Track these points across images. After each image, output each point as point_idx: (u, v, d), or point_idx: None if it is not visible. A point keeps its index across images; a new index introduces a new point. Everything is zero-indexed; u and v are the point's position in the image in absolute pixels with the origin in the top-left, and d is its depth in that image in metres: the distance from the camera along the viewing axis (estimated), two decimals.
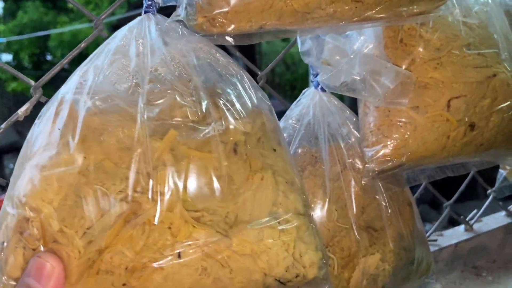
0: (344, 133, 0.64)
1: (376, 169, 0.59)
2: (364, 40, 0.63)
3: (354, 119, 0.65)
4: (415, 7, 0.53)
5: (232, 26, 0.47)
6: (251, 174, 0.48)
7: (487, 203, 1.04)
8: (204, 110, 0.46)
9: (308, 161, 0.62)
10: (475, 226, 1.02)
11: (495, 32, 0.62)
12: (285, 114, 0.66)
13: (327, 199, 0.58)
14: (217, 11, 0.47)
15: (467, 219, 1.02)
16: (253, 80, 0.52)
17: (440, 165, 0.66)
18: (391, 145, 0.59)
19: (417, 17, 0.56)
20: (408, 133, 0.59)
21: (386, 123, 0.60)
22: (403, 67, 0.60)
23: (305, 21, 0.50)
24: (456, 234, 0.99)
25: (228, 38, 0.51)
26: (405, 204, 0.67)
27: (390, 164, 0.59)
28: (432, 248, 0.92)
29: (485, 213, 1.10)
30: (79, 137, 0.42)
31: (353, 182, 0.62)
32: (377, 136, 0.60)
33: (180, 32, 0.49)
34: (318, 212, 0.58)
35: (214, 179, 0.45)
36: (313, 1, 0.47)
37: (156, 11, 0.51)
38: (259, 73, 0.64)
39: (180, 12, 0.48)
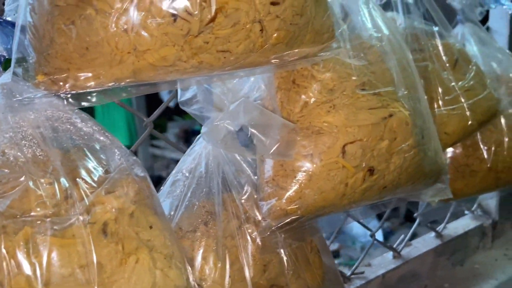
0: (241, 183, 0.59)
1: (273, 224, 0.54)
2: (255, 82, 0.59)
3: (254, 165, 0.61)
4: (296, 51, 0.49)
5: (74, 83, 0.41)
6: (124, 258, 0.42)
7: (413, 228, 1.02)
8: (64, 194, 0.40)
9: (202, 219, 0.56)
10: (404, 252, 1.00)
11: (391, 67, 0.59)
12: (176, 165, 0.60)
13: (219, 265, 0.53)
14: (57, 68, 0.41)
15: (394, 245, 0.99)
16: (123, 148, 0.46)
17: (346, 211, 0.62)
18: (286, 197, 0.54)
19: (301, 60, 0.52)
20: (303, 183, 0.54)
21: (280, 173, 0.55)
22: (296, 110, 0.56)
23: (169, 74, 0.44)
24: (385, 263, 0.97)
25: (90, 98, 0.45)
26: (313, 253, 0.63)
27: (286, 218, 0.55)
28: (358, 282, 0.89)
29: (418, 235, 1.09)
30: None
31: (250, 239, 0.57)
32: (273, 187, 0.55)
33: (32, 95, 0.43)
34: (209, 281, 0.52)
35: (78, 270, 0.39)
36: (170, 54, 0.42)
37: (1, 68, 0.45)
38: (145, 119, 0.58)
39: (16, 69, 0.41)
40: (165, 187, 0.58)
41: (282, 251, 0.57)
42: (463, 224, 1.15)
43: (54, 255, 0.37)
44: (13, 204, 0.39)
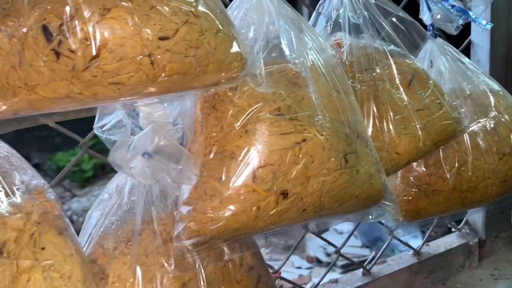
0: (166, 203, 0.61)
1: (187, 245, 0.56)
2: (185, 106, 0.62)
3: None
4: (199, 80, 0.51)
5: None
6: (17, 276, 0.46)
7: (386, 244, 1.01)
8: None
9: (124, 237, 0.59)
10: (375, 269, 0.99)
11: (311, 92, 0.60)
12: (106, 185, 0.63)
13: (131, 280, 0.56)
14: None
15: (364, 264, 0.99)
16: (32, 172, 0.50)
17: (266, 233, 0.63)
18: (199, 219, 0.56)
19: (212, 87, 0.55)
20: (215, 206, 0.56)
21: (194, 195, 0.57)
22: (214, 134, 0.58)
23: (69, 104, 0.48)
24: (352, 280, 0.96)
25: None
26: (243, 270, 0.65)
27: (198, 239, 0.57)
28: None
29: None
30: None
31: (172, 259, 0.59)
32: (187, 209, 0.57)
33: None
34: None
35: None
36: (60, 88, 0.45)
37: None
38: (80, 141, 0.62)
39: None
40: (92, 207, 0.61)
41: (201, 270, 0.59)
42: (447, 242, 1.13)
43: None
44: None
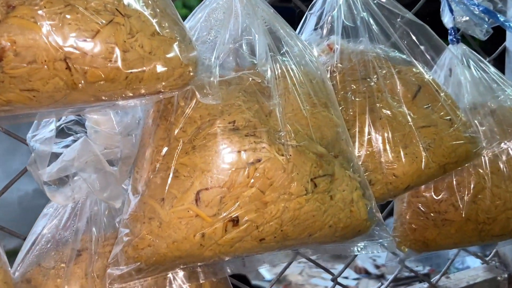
0: (112, 222, 0.56)
1: (115, 274, 0.50)
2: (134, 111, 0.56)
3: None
4: (141, 85, 0.45)
5: None
6: None
7: (394, 274, 0.90)
8: None
9: (65, 257, 0.54)
10: None
11: (274, 105, 0.52)
12: None
13: None
14: None
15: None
16: None
17: (220, 262, 0.55)
18: (135, 244, 0.50)
19: (154, 95, 0.48)
20: (153, 230, 0.50)
21: (133, 217, 0.51)
22: (159, 149, 0.52)
23: None
24: None
25: None
26: None
27: (134, 266, 0.50)
28: None
29: None
30: None
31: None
32: (126, 231, 0.51)
33: None
34: None
35: None
36: None
37: None
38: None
39: None
40: (37, 221, 0.57)
41: None
42: (471, 275, 0.99)
43: None
44: None
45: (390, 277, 0.92)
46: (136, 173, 0.53)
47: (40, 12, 0.40)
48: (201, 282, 0.58)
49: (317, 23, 0.69)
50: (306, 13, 0.71)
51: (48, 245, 0.55)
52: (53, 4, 0.41)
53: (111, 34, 0.42)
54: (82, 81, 0.43)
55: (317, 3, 0.69)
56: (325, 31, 0.71)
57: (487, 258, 1.01)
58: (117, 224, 0.56)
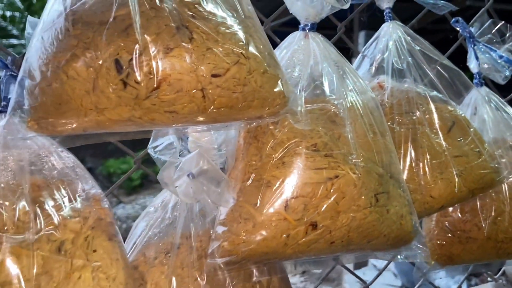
0: (204, 221, 0.67)
1: (219, 263, 0.61)
2: (229, 134, 0.68)
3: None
4: (243, 113, 0.57)
5: (54, 129, 0.53)
6: (70, 273, 0.52)
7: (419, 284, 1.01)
8: (24, 217, 0.51)
9: (164, 249, 0.65)
10: None
11: (347, 132, 0.64)
12: (153, 199, 0.70)
13: None
14: (40, 117, 0.53)
15: None
16: (92, 182, 0.57)
17: (297, 260, 0.66)
18: (232, 240, 0.61)
19: (254, 121, 0.60)
20: (248, 229, 0.61)
21: (230, 217, 0.62)
22: (253, 163, 0.64)
23: (130, 126, 0.55)
24: None
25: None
26: None
27: (230, 259, 0.61)
28: None
29: None
30: None
31: (204, 274, 0.64)
32: (223, 229, 0.62)
33: (23, 135, 0.56)
34: None
35: (21, 278, 0.49)
36: (124, 112, 0.52)
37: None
38: (134, 157, 0.69)
39: (10, 115, 0.54)
40: (139, 218, 0.68)
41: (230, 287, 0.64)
42: None
43: (7, 261, 0.49)
44: None
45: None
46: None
47: (190, 53, 0.52)
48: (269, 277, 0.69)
49: (370, 64, 0.81)
50: (360, 55, 0.84)
51: (152, 239, 0.65)
52: (199, 47, 0.52)
53: (236, 72, 0.54)
54: (211, 107, 0.54)
55: (370, 47, 0.82)
56: (373, 70, 0.84)
57: (495, 276, 1.12)
58: (207, 224, 0.67)
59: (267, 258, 0.63)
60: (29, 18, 0.62)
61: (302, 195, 0.60)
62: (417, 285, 1.01)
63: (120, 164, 5.40)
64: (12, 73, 0.59)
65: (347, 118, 0.65)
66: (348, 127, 0.65)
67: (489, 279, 1.14)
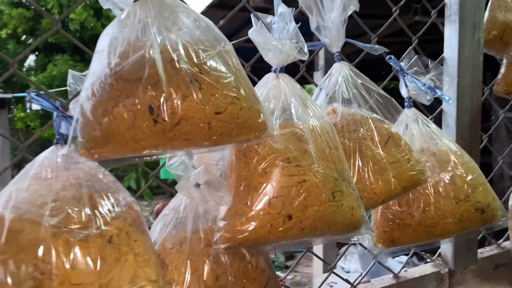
0: (208, 219, 0.89)
1: (221, 248, 0.83)
2: (223, 153, 0.90)
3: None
4: (236, 139, 0.80)
5: (101, 155, 0.74)
6: (119, 257, 0.73)
7: (371, 265, 1.26)
8: (87, 217, 0.71)
9: (179, 241, 0.87)
10: (361, 286, 1.24)
11: (310, 148, 0.88)
12: (168, 204, 0.91)
13: (182, 271, 0.82)
14: (92, 146, 0.74)
15: (353, 281, 1.23)
16: (126, 192, 0.78)
17: (280, 244, 0.89)
18: (230, 230, 0.83)
19: (243, 142, 0.83)
20: (242, 222, 0.83)
21: (228, 214, 0.85)
22: (243, 173, 0.86)
23: (157, 151, 0.76)
24: None
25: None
26: (258, 271, 0.91)
27: (229, 245, 0.83)
28: None
29: None
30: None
31: (211, 257, 0.86)
32: (223, 223, 0.85)
33: (76, 159, 0.76)
34: (174, 282, 0.82)
35: (90, 261, 0.69)
36: (154, 141, 0.73)
37: (63, 142, 0.79)
38: (150, 173, 0.90)
39: (71, 145, 0.75)
40: (158, 219, 0.89)
41: (229, 267, 0.86)
42: (422, 269, 1.37)
43: (78, 252, 0.69)
44: (60, 221, 0.71)
45: (366, 270, 1.28)
46: None
47: (199, 98, 0.74)
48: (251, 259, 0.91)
49: (326, 95, 1.06)
50: (317, 88, 1.09)
51: (169, 234, 0.87)
52: (205, 93, 0.75)
53: (232, 109, 0.77)
54: (215, 136, 0.77)
55: (325, 82, 1.07)
56: (328, 99, 1.09)
57: (433, 257, 1.39)
58: (209, 222, 0.89)
59: (256, 243, 0.85)
60: (71, 71, 0.83)
61: (280, 195, 0.84)
62: (369, 266, 1.25)
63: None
64: (62, 114, 0.80)
65: (310, 137, 0.89)
66: (311, 144, 0.89)
67: (428, 260, 1.41)
